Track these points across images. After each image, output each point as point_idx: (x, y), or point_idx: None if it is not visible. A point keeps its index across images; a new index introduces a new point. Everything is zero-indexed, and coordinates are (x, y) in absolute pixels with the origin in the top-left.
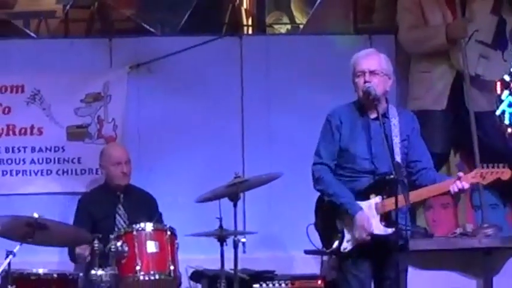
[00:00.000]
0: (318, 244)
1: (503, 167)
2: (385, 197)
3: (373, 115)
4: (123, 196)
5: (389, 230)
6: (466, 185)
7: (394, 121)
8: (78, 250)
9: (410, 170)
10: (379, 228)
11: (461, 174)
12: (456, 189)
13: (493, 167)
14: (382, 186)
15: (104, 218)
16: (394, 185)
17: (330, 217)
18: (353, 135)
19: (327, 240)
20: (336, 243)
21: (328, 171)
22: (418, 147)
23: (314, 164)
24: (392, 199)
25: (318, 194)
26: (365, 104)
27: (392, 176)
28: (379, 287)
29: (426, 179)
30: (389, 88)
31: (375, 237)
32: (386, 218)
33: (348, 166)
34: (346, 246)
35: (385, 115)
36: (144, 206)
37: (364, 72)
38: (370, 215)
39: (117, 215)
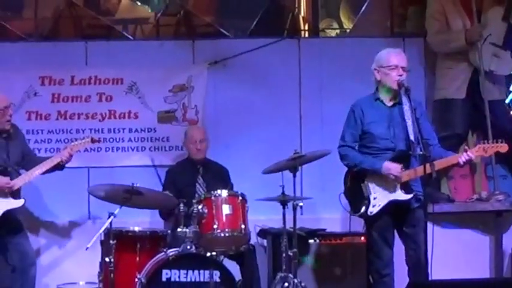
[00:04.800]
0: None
1: (501, 142)
2: (403, 169)
3: (390, 103)
4: (202, 169)
5: (408, 196)
6: (473, 156)
7: (406, 107)
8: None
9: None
10: (399, 194)
11: (466, 148)
12: (464, 160)
13: (492, 142)
14: (401, 160)
15: (186, 186)
16: (423, 160)
17: (357, 187)
18: (374, 120)
19: (355, 206)
20: (363, 208)
21: (352, 150)
22: (425, 128)
23: (339, 146)
24: (412, 170)
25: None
26: (394, 92)
27: (421, 152)
28: (403, 241)
29: (434, 154)
30: None
31: (396, 202)
32: (405, 186)
33: (371, 145)
34: (372, 210)
35: (399, 102)
36: (219, 176)
37: (397, 67)
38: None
39: (197, 184)
